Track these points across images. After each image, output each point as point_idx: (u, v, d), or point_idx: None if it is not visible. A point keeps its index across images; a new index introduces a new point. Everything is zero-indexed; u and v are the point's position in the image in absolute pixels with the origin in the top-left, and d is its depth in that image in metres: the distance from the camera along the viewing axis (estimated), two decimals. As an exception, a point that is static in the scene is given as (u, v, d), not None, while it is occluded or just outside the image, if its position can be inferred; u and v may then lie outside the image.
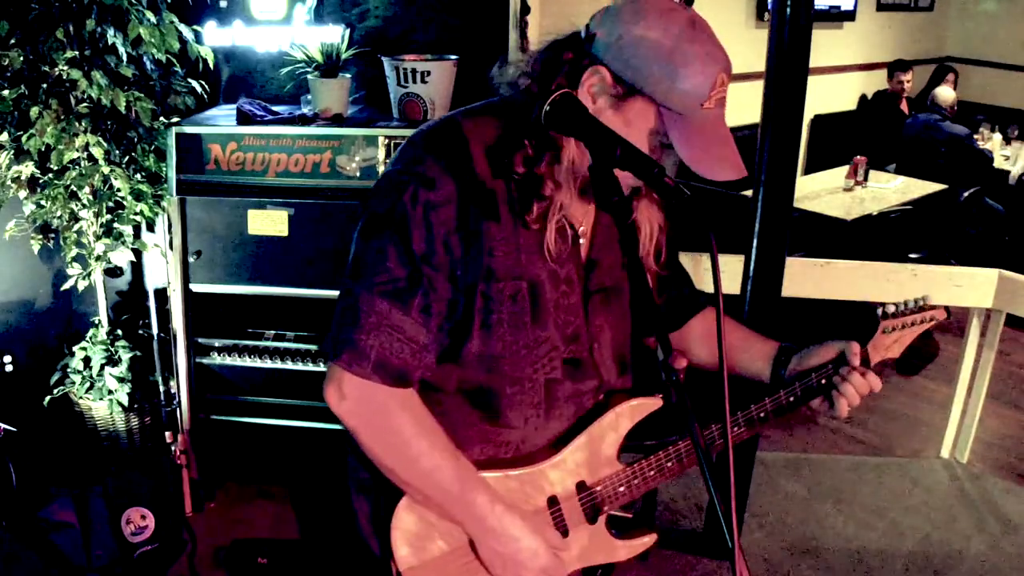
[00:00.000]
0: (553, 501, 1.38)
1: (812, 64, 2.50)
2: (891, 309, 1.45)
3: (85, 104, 2.79)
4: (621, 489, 1.40)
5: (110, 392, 3.04)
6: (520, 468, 1.36)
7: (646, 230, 1.35)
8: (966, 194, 5.14)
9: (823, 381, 1.42)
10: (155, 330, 3.15)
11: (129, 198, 2.90)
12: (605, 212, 1.34)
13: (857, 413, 3.99)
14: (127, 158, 2.94)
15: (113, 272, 3.15)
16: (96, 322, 3.16)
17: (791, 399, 1.42)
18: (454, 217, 1.20)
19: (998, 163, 5.90)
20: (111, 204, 2.96)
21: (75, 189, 2.87)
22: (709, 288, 1.21)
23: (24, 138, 2.73)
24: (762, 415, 1.41)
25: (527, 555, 1.31)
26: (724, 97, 1.19)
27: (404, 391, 1.27)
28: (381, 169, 2.78)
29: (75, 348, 3.11)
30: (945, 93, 5.65)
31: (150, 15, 2.78)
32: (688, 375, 1.44)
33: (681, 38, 1.14)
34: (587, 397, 1.39)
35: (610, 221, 1.34)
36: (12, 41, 2.63)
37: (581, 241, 1.33)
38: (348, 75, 3.00)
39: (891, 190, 5.14)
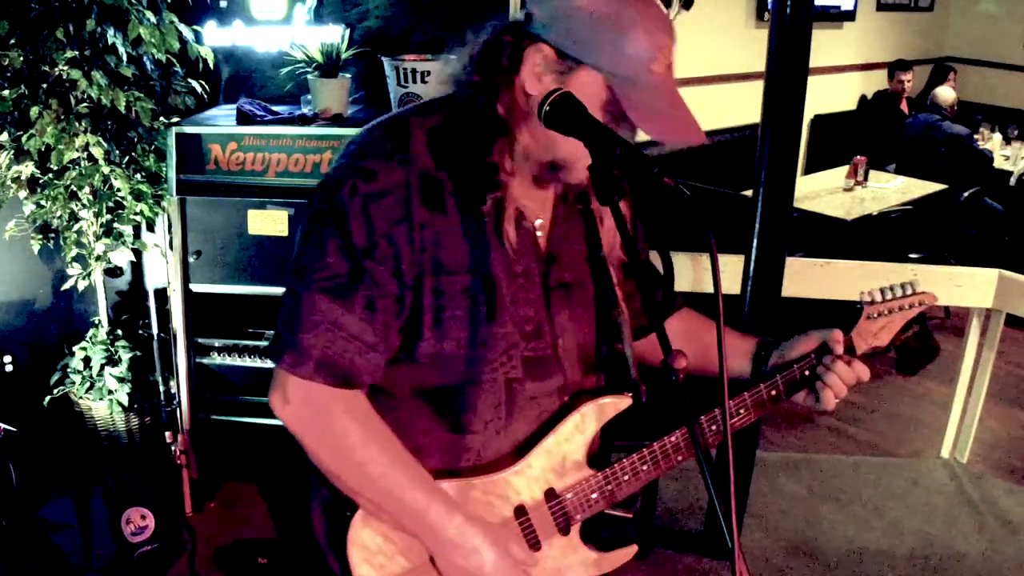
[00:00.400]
0: (521, 511, 1.30)
1: (812, 64, 2.50)
2: (877, 295, 1.39)
3: (85, 104, 2.79)
4: (594, 496, 1.32)
5: (110, 392, 3.04)
6: (482, 476, 1.28)
7: (608, 223, 1.30)
8: (966, 194, 5.15)
9: (806, 372, 1.36)
10: (155, 330, 3.15)
11: (129, 198, 2.90)
12: (564, 204, 1.30)
13: (857, 413, 4.00)
14: (127, 158, 2.94)
15: (113, 272, 3.15)
16: (96, 322, 3.16)
17: (772, 393, 1.36)
18: (396, 208, 1.15)
19: (998, 163, 5.90)
20: (111, 204, 2.96)
21: (75, 189, 2.87)
22: (709, 288, 1.20)
23: (24, 138, 2.73)
24: (742, 411, 1.35)
25: (489, 568, 1.22)
26: (672, 61, 1.15)
27: (350, 393, 1.21)
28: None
29: (75, 348, 3.11)
30: (945, 93, 5.65)
31: (150, 15, 2.78)
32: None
33: (620, 2, 1.12)
34: (552, 398, 1.31)
35: (568, 213, 1.31)
36: (12, 41, 2.63)
37: (538, 234, 1.28)
38: (348, 75, 3.00)
39: (891, 190, 5.15)
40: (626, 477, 1.33)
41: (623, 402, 1.33)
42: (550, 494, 1.31)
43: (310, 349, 1.17)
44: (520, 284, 1.25)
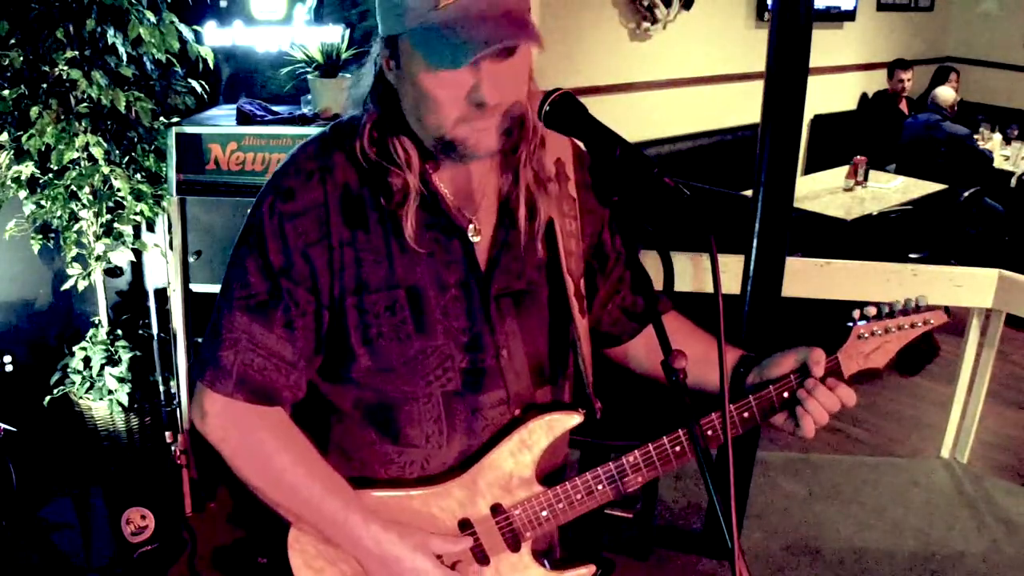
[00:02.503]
0: (466, 524, 1.28)
1: (812, 64, 2.50)
2: (871, 311, 1.26)
3: (85, 104, 2.79)
4: (544, 514, 1.28)
5: (110, 392, 3.04)
6: (423, 488, 1.27)
7: (523, 211, 1.25)
8: (966, 194, 5.15)
9: (785, 395, 1.25)
10: (155, 330, 3.15)
11: (129, 198, 2.90)
12: (507, 209, 1.25)
13: (857, 413, 4.00)
14: (127, 158, 2.94)
15: (113, 272, 3.15)
16: (96, 322, 3.16)
17: (744, 415, 1.26)
18: (313, 227, 1.16)
19: (998, 163, 5.90)
20: (111, 204, 2.96)
21: (75, 189, 2.87)
22: (709, 288, 1.19)
23: (24, 138, 2.73)
24: (709, 433, 1.24)
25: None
26: None
27: (269, 409, 1.22)
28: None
29: (75, 348, 3.10)
30: (945, 93, 5.66)
31: (150, 15, 2.78)
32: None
33: None
34: (499, 410, 1.27)
35: (512, 218, 1.25)
36: (12, 41, 2.63)
37: (475, 240, 1.23)
38: (348, 75, 3.00)
39: (891, 190, 5.15)
40: (579, 496, 1.28)
41: (572, 419, 1.28)
42: (497, 509, 1.28)
43: (229, 366, 1.19)
44: (452, 295, 1.22)
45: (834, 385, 1.25)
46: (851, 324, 1.26)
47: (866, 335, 1.26)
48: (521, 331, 1.28)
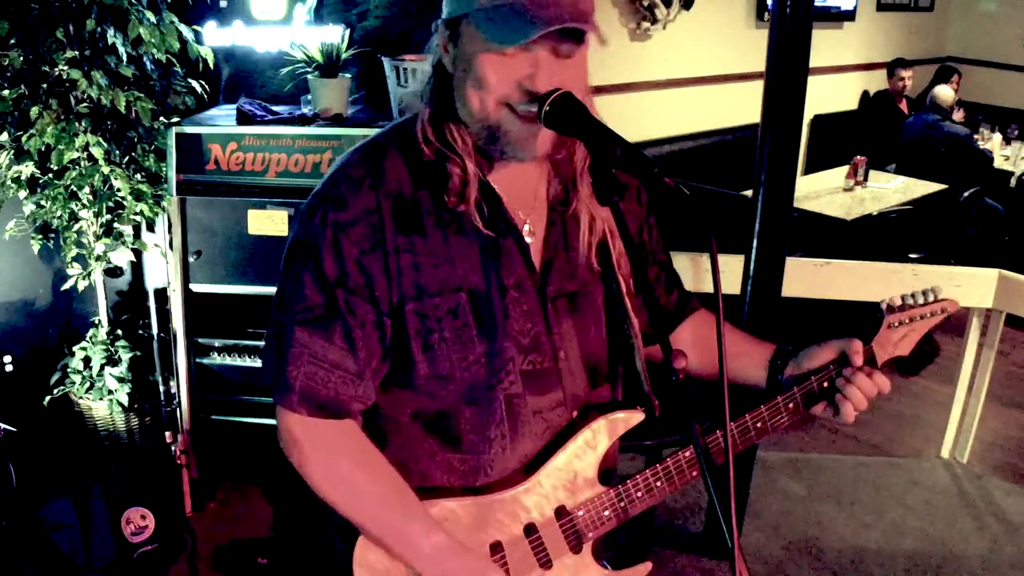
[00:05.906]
0: (531, 529, 1.28)
1: (812, 64, 2.50)
2: (897, 302, 1.36)
3: (85, 104, 2.79)
4: (606, 513, 1.30)
5: (110, 392, 3.04)
6: (490, 495, 1.26)
7: (585, 222, 1.27)
8: (966, 194, 5.15)
9: (825, 384, 1.33)
10: (155, 330, 3.15)
11: (129, 198, 2.90)
12: (556, 212, 1.27)
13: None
14: (127, 158, 2.94)
15: (113, 272, 3.15)
16: (96, 322, 3.16)
17: (790, 406, 1.33)
18: (367, 235, 1.16)
19: (998, 163, 5.90)
20: (111, 204, 2.96)
21: (75, 189, 2.87)
22: (709, 288, 1.19)
23: (24, 138, 2.73)
24: (759, 425, 1.32)
25: None
26: None
27: (339, 423, 1.22)
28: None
29: (75, 348, 3.10)
30: (944, 92, 5.65)
31: (150, 15, 2.78)
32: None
33: None
34: (557, 412, 1.29)
35: (566, 219, 1.28)
36: (12, 41, 2.63)
37: (529, 241, 1.25)
38: (348, 75, 3.00)
39: (891, 190, 5.15)
40: (639, 494, 1.31)
41: (635, 417, 1.31)
42: (561, 512, 1.29)
43: (293, 381, 1.19)
44: (512, 296, 1.23)
45: (870, 372, 1.32)
46: (880, 315, 1.35)
47: (895, 324, 1.36)
48: (577, 332, 1.30)
